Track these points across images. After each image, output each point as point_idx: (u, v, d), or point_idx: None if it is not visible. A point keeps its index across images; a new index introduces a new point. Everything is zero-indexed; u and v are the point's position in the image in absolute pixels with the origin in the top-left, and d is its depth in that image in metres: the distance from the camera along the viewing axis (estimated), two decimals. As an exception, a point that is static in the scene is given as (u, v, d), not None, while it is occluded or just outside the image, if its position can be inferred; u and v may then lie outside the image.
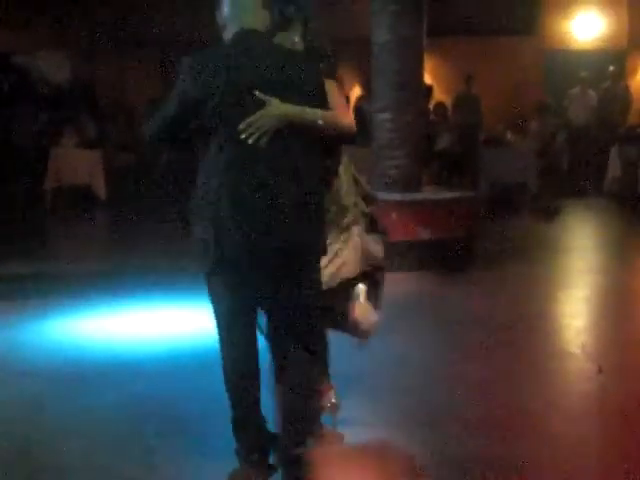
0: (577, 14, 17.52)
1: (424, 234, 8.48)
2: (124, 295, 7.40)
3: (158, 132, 3.83)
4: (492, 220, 11.69)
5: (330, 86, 3.99)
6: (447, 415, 4.65)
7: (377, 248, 4.44)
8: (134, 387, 5.09)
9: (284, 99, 3.67)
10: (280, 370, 3.87)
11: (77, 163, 14.21)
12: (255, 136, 3.63)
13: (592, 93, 15.97)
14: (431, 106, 15.37)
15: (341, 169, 4.25)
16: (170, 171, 15.46)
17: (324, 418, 4.35)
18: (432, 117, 15.21)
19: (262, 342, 3.91)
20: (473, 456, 4.11)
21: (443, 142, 14.95)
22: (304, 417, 3.85)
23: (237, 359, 3.82)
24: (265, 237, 3.66)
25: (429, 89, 14.66)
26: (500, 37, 16.97)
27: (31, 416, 4.72)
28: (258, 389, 3.86)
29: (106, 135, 15.79)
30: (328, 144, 3.94)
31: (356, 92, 15.91)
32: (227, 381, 3.84)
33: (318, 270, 3.89)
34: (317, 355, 3.92)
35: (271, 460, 3.89)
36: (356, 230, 4.29)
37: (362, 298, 4.31)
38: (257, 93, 3.64)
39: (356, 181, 4.35)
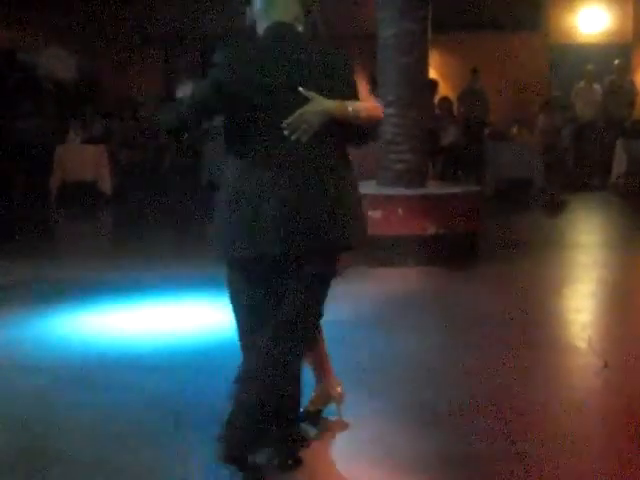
0: (582, 8, 17.49)
1: (429, 229, 8.48)
2: (130, 290, 7.41)
3: (181, 122, 3.76)
4: (497, 215, 11.69)
5: (357, 72, 4.00)
6: (451, 410, 4.64)
7: None
8: (140, 383, 5.09)
9: (321, 92, 3.67)
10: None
11: (83, 159, 14.23)
12: (300, 132, 3.62)
13: (597, 87, 15.95)
14: (436, 101, 15.36)
15: None
16: (174, 166, 15.51)
17: (330, 409, 4.38)
18: (437, 112, 15.20)
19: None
20: (477, 452, 4.10)
21: (448, 137, 14.94)
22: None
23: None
24: (309, 236, 3.66)
25: (434, 84, 14.65)
26: (506, 32, 16.95)
27: (35, 411, 4.72)
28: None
29: (111, 131, 15.81)
30: (360, 136, 3.94)
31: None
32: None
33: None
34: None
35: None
36: None
37: None
38: (301, 89, 3.62)
39: None
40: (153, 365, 5.43)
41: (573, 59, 16.95)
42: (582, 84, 16.02)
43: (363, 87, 3.98)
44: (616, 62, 16.18)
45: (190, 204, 13.30)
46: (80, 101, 16.00)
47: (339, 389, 4.43)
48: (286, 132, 3.61)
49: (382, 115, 3.95)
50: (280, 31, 3.77)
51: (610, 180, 14.62)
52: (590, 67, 16.03)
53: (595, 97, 15.91)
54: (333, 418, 4.42)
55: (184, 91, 3.91)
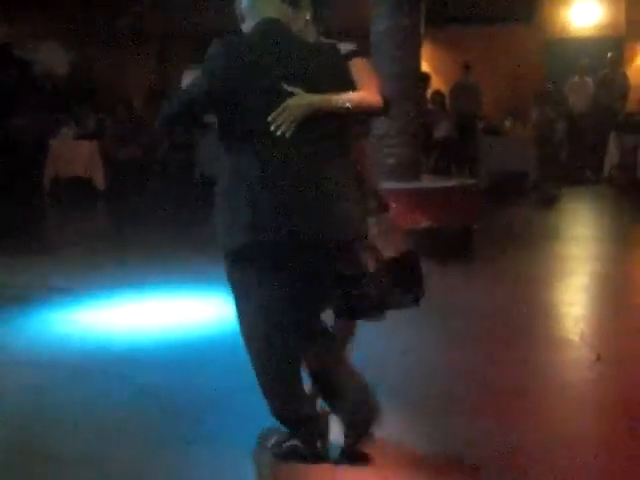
0: (576, 2, 17.50)
1: (423, 223, 8.48)
2: (124, 286, 7.41)
3: (175, 116, 3.75)
4: (491, 209, 11.70)
5: (360, 64, 4.00)
6: (446, 404, 4.66)
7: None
8: (137, 378, 5.09)
9: (311, 88, 3.68)
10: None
11: (76, 155, 14.23)
12: (283, 127, 3.63)
13: (590, 81, 15.97)
14: (429, 95, 15.38)
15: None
16: (168, 161, 15.51)
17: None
18: (430, 106, 15.21)
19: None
20: (473, 445, 4.12)
21: (441, 131, 14.96)
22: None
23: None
24: (308, 229, 3.67)
25: (427, 78, 14.66)
26: (499, 25, 16.96)
27: (32, 407, 4.73)
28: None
29: (105, 127, 15.80)
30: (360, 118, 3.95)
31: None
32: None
33: (361, 254, 3.90)
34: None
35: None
36: (383, 217, 4.29)
37: None
38: (283, 85, 3.64)
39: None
40: (148, 361, 5.43)
41: (566, 52, 16.96)
42: (575, 78, 16.03)
43: (366, 76, 3.98)
44: (609, 55, 16.20)
45: (184, 199, 13.29)
46: (74, 97, 15.98)
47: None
48: (272, 127, 3.63)
49: (379, 102, 3.93)
50: (269, 28, 3.77)
51: (603, 173, 14.64)
52: (583, 61, 16.05)
53: (588, 90, 15.93)
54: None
55: (190, 78, 3.91)
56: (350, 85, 3.84)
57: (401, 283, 4.11)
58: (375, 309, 4.02)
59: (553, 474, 3.86)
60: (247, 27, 3.85)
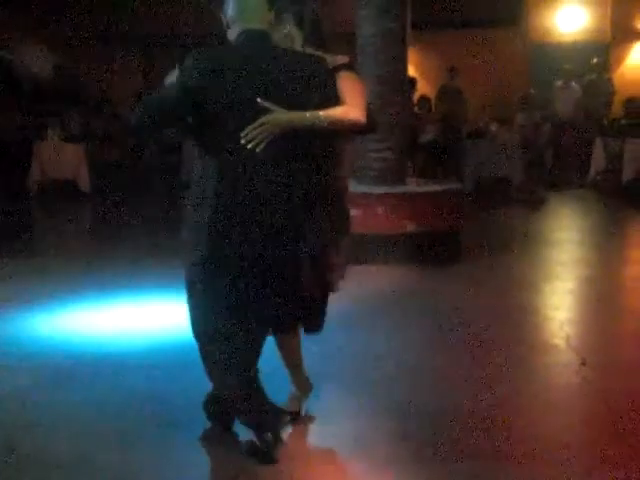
0: (561, 7, 17.57)
1: (409, 227, 8.49)
2: (110, 289, 7.39)
3: (147, 120, 3.78)
4: (477, 212, 11.72)
5: (348, 78, 4.00)
6: (430, 409, 4.65)
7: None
8: (123, 381, 5.08)
9: (291, 99, 3.69)
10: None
11: (61, 157, 14.18)
12: (254, 143, 3.64)
13: (576, 85, 16.02)
14: (415, 99, 15.40)
15: None
16: (154, 164, 15.48)
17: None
18: (416, 110, 15.23)
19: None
20: (455, 451, 4.12)
21: (427, 135, 14.98)
22: None
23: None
24: (254, 248, 3.71)
25: (413, 82, 14.69)
26: (484, 30, 17.01)
27: (15, 411, 4.70)
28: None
29: (90, 129, 15.76)
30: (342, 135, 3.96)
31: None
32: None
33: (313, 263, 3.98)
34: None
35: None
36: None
37: None
38: (260, 100, 3.64)
39: None
40: (135, 364, 5.42)
41: (551, 57, 17.03)
42: (560, 83, 16.08)
43: (350, 90, 3.97)
44: (594, 60, 16.28)
45: (169, 202, 13.26)
46: (59, 99, 15.93)
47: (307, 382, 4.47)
48: (243, 141, 3.64)
49: (359, 119, 3.93)
50: (251, 39, 3.77)
51: (589, 178, 14.69)
52: (568, 66, 16.11)
53: (573, 95, 15.98)
54: (310, 416, 4.44)
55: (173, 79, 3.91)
56: (333, 99, 3.83)
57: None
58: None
59: (534, 477, 3.86)
60: (231, 36, 3.84)
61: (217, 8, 3.91)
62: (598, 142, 14.45)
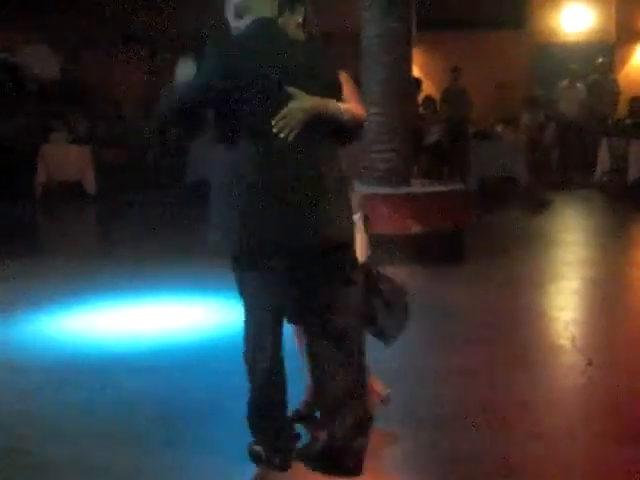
0: (565, 7, 17.55)
1: (414, 228, 8.48)
2: (115, 291, 7.39)
3: (173, 114, 3.81)
4: (482, 213, 11.71)
5: (344, 77, 4.02)
6: (435, 410, 4.65)
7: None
8: (128, 383, 5.08)
9: (306, 91, 3.69)
10: (321, 373, 3.89)
11: (67, 159, 14.19)
12: (286, 130, 3.64)
13: (581, 86, 16.00)
14: (420, 100, 15.40)
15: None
16: (159, 164, 15.49)
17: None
18: (421, 111, 15.23)
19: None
20: (460, 451, 4.11)
21: (432, 136, 14.97)
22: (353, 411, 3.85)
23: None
24: (298, 233, 3.69)
25: (418, 83, 14.68)
26: (489, 31, 17.00)
27: (18, 412, 4.71)
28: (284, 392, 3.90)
29: (95, 131, 15.76)
30: (345, 137, 3.95)
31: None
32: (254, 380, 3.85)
33: (352, 265, 3.91)
34: (357, 352, 3.94)
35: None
36: (357, 216, 4.29)
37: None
38: (288, 88, 3.65)
39: None
40: (139, 365, 5.42)
41: (556, 58, 17.01)
42: (565, 83, 16.06)
43: (350, 89, 4.01)
44: (599, 61, 16.26)
45: (175, 203, 13.26)
46: (64, 101, 15.94)
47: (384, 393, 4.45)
48: (274, 130, 3.63)
49: (365, 116, 3.98)
50: (265, 28, 3.77)
51: (594, 178, 14.67)
52: (573, 66, 16.09)
53: (578, 96, 15.96)
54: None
55: (184, 70, 3.90)
56: (340, 92, 3.86)
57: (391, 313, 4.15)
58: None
59: (539, 477, 3.86)
60: (239, 25, 3.83)
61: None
62: (603, 143, 14.43)
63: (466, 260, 8.69)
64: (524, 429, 4.40)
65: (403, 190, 8.81)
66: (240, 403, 3.97)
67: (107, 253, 9.61)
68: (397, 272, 8.04)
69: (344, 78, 4.03)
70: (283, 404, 3.90)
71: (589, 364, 5.38)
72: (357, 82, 4.37)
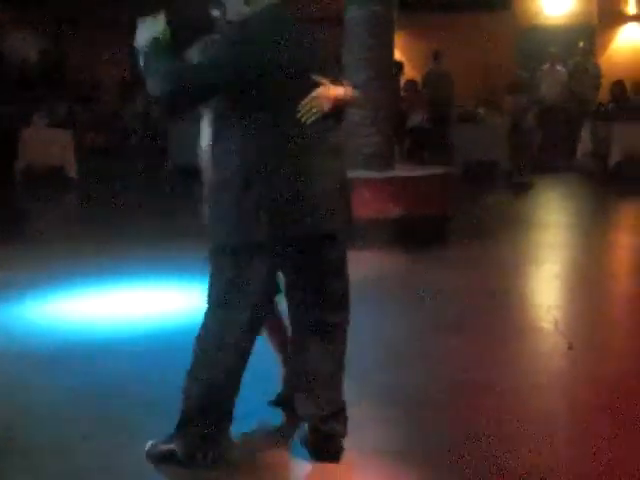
0: (548, -11, 17.56)
1: (396, 212, 8.49)
2: (98, 275, 7.37)
3: (187, 92, 3.60)
4: (465, 197, 11.73)
5: None
6: (419, 395, 4.66)
7: None
8: (108, 368, 5.07)
9: (320, 73, 3.69)
10: (309, 359, 3.87)
11: (48, 143, 14.11)
12: (309, 115, 3.62)
13: (562, 69, 16.02)
14: (402, 83, 15.38)
15: None
16: (140, 150, 15.45)
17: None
18: (403, 94, 15.22)
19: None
20: (446, 436, 4.13)
21: (415, 119, 14.96)
22: (336, 386, 3.87)
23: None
24: (328, 216, 3.68)
25: (400, 66, 14.67)
26: (472, 13, 16.99)
27: (8, 397, 4.70)
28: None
29: (77, 115, 15.69)
30: (339, 118, 3.95)
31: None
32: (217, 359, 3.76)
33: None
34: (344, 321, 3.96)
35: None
36: None
37: None
38: (313, 76, 3.64)
39: None
40: (127, 350, 5.41)
41: (538, 40, 17.03)
42: (546, 66, 16.09)
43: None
44: (581, 44, 16.28)
45: (156, 188, 13.23)
46: (45, 85, 15.86)
47: None
48: (299, 114, 3.61)
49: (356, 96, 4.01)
50: (282, 12, 3.73)
51: (576, 161, 14.71)
52: (554, 49, 16.10)
53: (560, 79, 15.98)
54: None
55: (144, 33, 3.76)
56: (340, 71, 3.86)
57: None
58: None
59: (522, 461, 3.88)
60: (245, 11, 3.72)
61: None
62: (585, 126, 14.47)
63: (448, 244, 8.71)
64: (507, 413, 4.41)
65: (386, 174, 8.82)
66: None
67: (90, 237, 9.56)
68: (380, 256, 8.13)
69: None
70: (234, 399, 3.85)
71: (570, 347, 5.40)
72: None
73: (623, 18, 17.47)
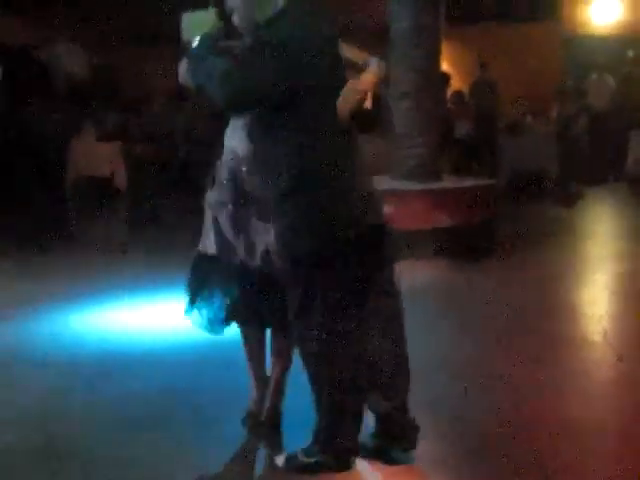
0: (596, -1, 17.44)
1: (444, 222, 8.47)
2: (145, 286, 7.42)
3: (248, 94, 3.50)
4: (512, 207, 11.66)
5: None
6: (463, 403, 4.65)
7: None
8: (157, 377, 5.11)
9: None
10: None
11: (97, 155, 14.22)
12: (343, 112, 3.54)
13: (610, 79, 15.87)
14: (449, 94, 15.35)
15: None
16: (188, 162, 15.53)
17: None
18: (450, 105, 15.18)
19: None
20: (490, 445, 4.11)
21: (462, 130, 14.92)
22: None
23: None
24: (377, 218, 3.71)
25: (446, 77, 14.63)
26: (518, 23, 16.90)
27: (49, 409, 4.74)
28: None
29: (126, 127, 15.82)
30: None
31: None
32: None
33: None
34: None
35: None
36: None
37: None
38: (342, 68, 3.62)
39: None
40: (170, 360, 5.45)
41: (586, 50, 16.90)
42: (595, 76, 15.96)
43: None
44: (630, 53, 16.13)
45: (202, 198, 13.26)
46: (94, 97, 16.02)
47: None
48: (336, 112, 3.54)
49: None
50: (309, 5, 3.65)
51: (625, 170, 14.55)
52: (602, 59, 15.98)
53: (608, 89, 15.84)
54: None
55: (191, 28, 3.67)
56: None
57: None
58: None
59: (571, 473, 3.85)
60: (266, 9, 3.59)
61: None
62: (634, 135, 14.32)
63: (497, 254, 8.66)
64: (553, 425, 4.38)
65: (433, 185, 8.81)
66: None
67: (138, 249, 9.64)
68: (427, 266, 8.11)
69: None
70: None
71: (620, 360, 5.35)
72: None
73: (673, 27, 17.28)
